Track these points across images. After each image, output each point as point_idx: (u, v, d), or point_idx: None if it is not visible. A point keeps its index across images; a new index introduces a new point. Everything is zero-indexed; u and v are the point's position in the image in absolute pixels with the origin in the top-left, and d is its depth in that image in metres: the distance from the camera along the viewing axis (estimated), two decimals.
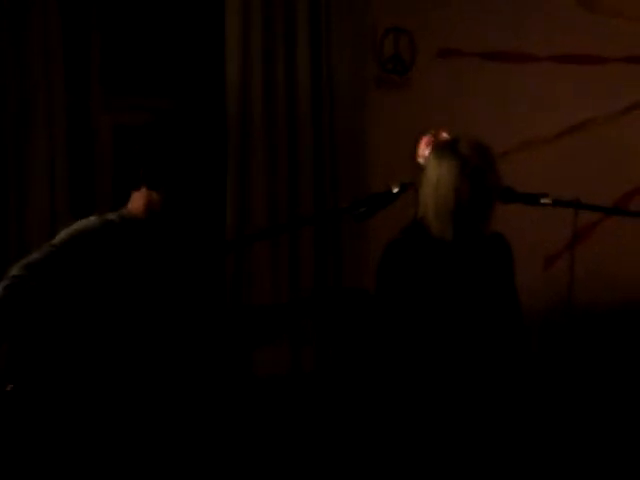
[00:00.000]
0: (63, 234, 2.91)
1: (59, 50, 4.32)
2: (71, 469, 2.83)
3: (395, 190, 3.21)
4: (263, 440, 4.41)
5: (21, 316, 2.79)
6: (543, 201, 3.27)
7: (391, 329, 3.19)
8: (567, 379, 4.59)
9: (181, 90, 4.70)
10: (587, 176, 4.89)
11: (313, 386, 4.62)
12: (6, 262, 2.92)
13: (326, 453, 4.46)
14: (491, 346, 3.23)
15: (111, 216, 2.97)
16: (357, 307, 3.19)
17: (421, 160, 3.27)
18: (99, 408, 2.83)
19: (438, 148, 3.25)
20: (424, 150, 3.26)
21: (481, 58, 5.04)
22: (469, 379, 3.19)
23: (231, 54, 4.58)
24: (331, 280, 4.68)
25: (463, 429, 3.17)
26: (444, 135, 3.26)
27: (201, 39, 4.71)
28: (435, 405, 3.17)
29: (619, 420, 4.70)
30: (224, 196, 4.56)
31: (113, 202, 3.06)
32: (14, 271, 2.81)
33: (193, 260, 3.03)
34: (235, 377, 3.09)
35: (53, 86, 4.30)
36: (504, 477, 3.21)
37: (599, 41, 5.17)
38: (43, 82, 4.27)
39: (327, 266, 4.69)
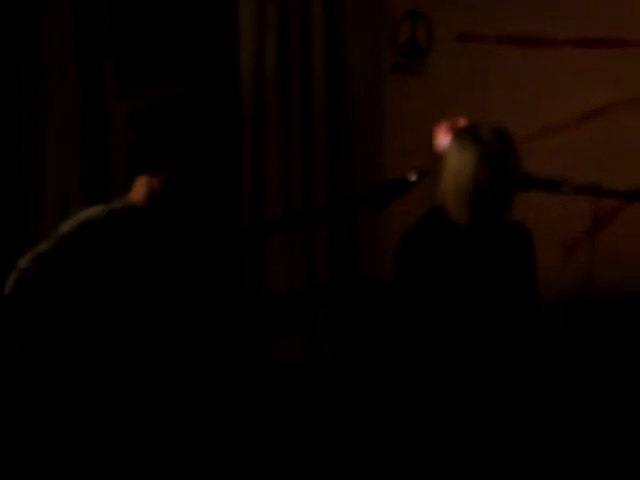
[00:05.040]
0: (69, 223, 2.92)
1: (72, 40, 4.35)
2: (85, 461, 2.83)
3: (412, 178, 3.20)
4: (280, 429, 4.41)
5: (32, 308, 2.80)
6: (564, 187, 3.24)
7: (408, 316, 3.18)
8: (587, 367, 4.57)
9: (195, 79, 4.69)
10: (607, 161, 4.85)
11: (330, 375, 4.62)
12: (21, 248, 2.95)
13: (343, 442, 4.46)
14: (507, 336, 3.21)
15: (115, 204, 2.98)
16: (373, 294, 3.18)
17: (439, 147, 3.25)
18: (110, 401, 2.83)
19: (459, 135, 3.23)
20: (442, 137, 3.24)
21: (499, 43, 4.99)
22: (485, 368, 3.17)
23: (245, 41, 4.59)
24: (347, 268, 4.67)
25: (480, 420, 3.15)
26: (462, 122, 3.24)
27: (214, 26, 4.71)
28: (451, 395, 3.15)
29: None
30: (240, 184, 4.55)
31: (126, 192, 3.06)
32: (23, 264, 2.84)
33: (201, 248, 3.02)
34: (253, 366, 3.07)
35: (67, 77, 4.38)
36: (521, 465, 3.19)
37: (619, 24, 5.11)
38: (57, 73, 4.33)
39: (343, 254, 4.69)
